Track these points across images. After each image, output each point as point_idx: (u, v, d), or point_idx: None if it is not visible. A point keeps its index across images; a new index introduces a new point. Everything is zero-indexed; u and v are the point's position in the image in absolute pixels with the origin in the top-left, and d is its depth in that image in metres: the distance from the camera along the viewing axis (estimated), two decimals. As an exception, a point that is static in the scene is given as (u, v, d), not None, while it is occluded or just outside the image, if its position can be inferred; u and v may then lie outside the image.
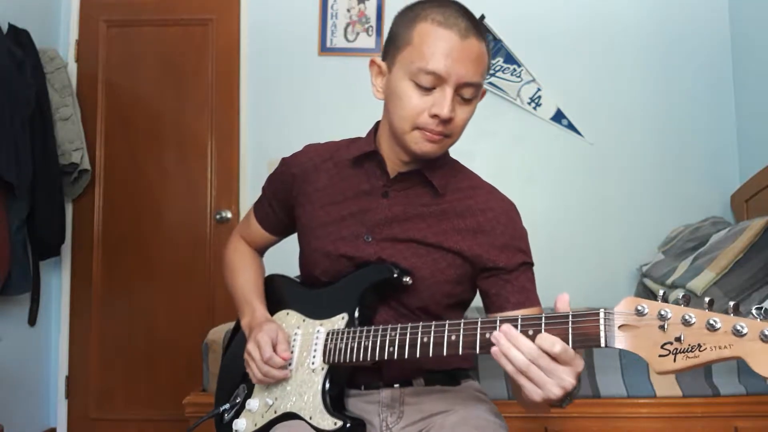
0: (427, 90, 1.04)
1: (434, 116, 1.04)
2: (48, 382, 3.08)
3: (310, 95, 3.14)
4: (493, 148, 3.14)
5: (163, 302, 3.10)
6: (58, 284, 3.15)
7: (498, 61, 3.15)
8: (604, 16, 3.15)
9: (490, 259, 1.11)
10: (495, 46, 3.16)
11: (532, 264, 1.15)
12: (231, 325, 2.02)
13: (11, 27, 2.76)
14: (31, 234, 2.78)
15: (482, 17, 3.16)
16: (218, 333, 1.96)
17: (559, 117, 3.12)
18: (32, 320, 2.90)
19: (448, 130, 1.07)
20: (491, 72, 3.14)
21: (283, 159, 1.27)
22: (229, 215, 3.14)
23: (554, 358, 0.80)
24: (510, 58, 3.15)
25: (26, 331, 2.90)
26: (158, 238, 3.14)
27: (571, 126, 3.11)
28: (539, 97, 3.13)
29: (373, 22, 3.17)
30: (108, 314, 3.11)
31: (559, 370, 0.80)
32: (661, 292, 0.77)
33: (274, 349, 1.11)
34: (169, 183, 3.17)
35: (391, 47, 1.10)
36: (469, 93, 1.05)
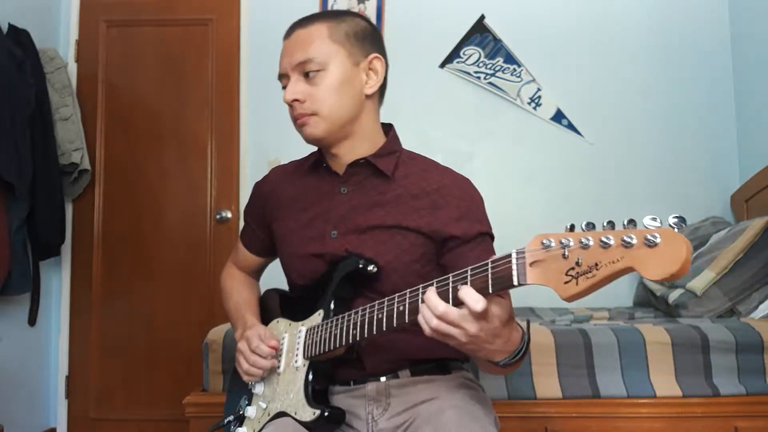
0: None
1: (288, 104, 1.17)
2: (48, 382, 3.08)
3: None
4: (493, 148, 3.14)
5: (163, 302, 3.10)
6: (58, 284, 3.15)
7: (498, 61, 3.15)
8: (604, 16, 3.15)
9: (447, 230, 1.14)
10: (495, 46, 3.16)
11: (490, 234, 1.19)
12: (230, 325, 2.02)
13: (11, 27, 2.76)
14: (31, 234, 2.78)
15: (482, 17, 3.16)
16: (218, 333, 1.96)
17: (559, 117, 3.12)
18: (32, 320, 2.90)
19: (307, 108, 1.16)
20: (491, 72, 3.14)
21: (255, 183, 1.38)
22: (229, 215, 3.14)
23: (475, 316, 0.85)
24: (510, 58, 3.15)
25: (26, 331, 2.90)
26: (158, 238, 3.14)
27: (571, 126, 3.11)
28: (539, 97, 3.13)
29: (373, 22, 3.16)
30: (108, 314, 3.11)
31: (465, 322, 0.87)
32: (568, 225, 0.78)
33: (262, 341, 1.17)
34: (169, 183, 3.17)
35: None
36: (311, 67, 1.15)
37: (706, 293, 2.17)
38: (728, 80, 3.09)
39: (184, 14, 3.23)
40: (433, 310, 0.87)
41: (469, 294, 0.84)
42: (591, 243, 0.74)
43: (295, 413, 1.11)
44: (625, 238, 0.71)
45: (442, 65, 3.17)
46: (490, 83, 3.14)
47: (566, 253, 0.76)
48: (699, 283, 2.19)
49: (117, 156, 3.18)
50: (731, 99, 3.08)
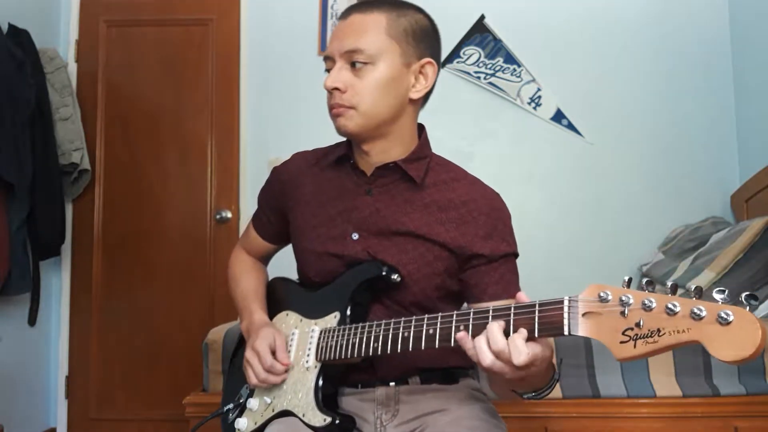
0: (328, 72, 1.12)
1: (327, 91, 1.11)
2: (48, 382, 3.08)
3: (310, 95, 3.13)
4: (493, 148, 3.14)
5: (163, 302, 3.10)
6: (58, 284, 3.15)
7: (498, 61, 3.15)
8: (604, 16, 3.15)
9: (473, 248, 1.11)
10: (495, 46, 3.16)
11: (515, 255, 1.16)
12: (231, 325, 2.03)
13: (11, 27, 2.76)
14: (31, 234, 2.78)
15: (482, 17, 3.16)
16: (218, 333, 1.96)
17: (559, 117, 3.12)
18: (32, 320, 2.90)
19: (346, 100, 1.10)
20: (491, 72, 3.14)
21: (274, 168, 1.32)
22: (229, 215, 3.14)
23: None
24: (510, 58, 3.15)
25: (26, 331, 2.90)
26: (158, 238, 3.14)
27: (571, 126, 3.11)
28: (539, 97, 3.13)
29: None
30: (108, 314, 3.11)
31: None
32: (626, 278, 0.76)
33: (274, 356, 1.13)
34: (169, 183, 3.17)
35: None
36: (360, 57, 1.09)
37: (706, 293, 2.17)
38: (728, 80, 3.09)
39: (184, 14, 3.23)
40: (492, 344, 0.84)
41: (517, 345, 0.82)
42: (654, 306, 0.71)
43: (303, 415, 1.08)
44: (695, 309, 0.68)
45: (442, 65, 3.17)
46: (490, 83, 3.14)
47: (626, 312, 0.73)
48: (699, 283, 2.19)
49: (117, 156, 3.18)
50: (731, 99, 3.08)
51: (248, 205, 3.13)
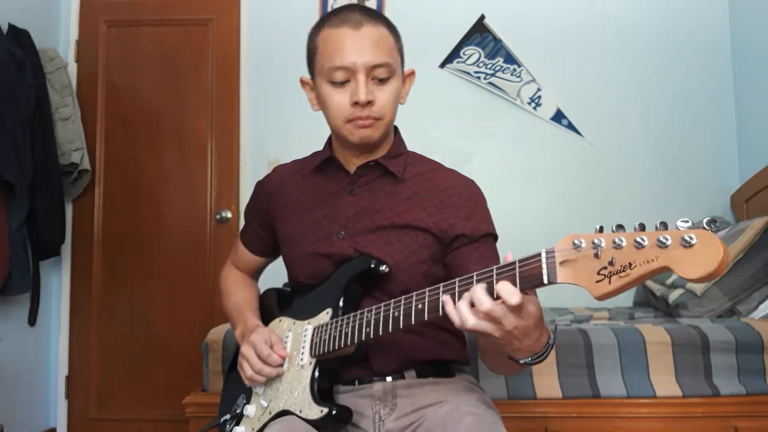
0: (343, 85, 1.14)
1: (355, 104, 1.13)
2: (48, 382, 3.08)
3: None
4: (493, 148, 3.14)
5: (163, 302, 3.10)
6: (58, 284, 3.15)
7: (498, 61, 3.15)
8: (604, 16, 3.15)
9: (455, 229, 1.16)
10: (495, 46, 3.16)
11: (495, 236, 1.21)
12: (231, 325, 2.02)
13: (11, 27, 2.76)
14: (31, 234, 2.78)
15: (482, 17, 3.16)
16: (218, 333, 1.96)
17: (559, 117, 3.12)
18: (32, 320, 2.90)
19: (375, 112, 1.15)
20: (491, 72, 3.14)
21: (257, 182, 1.38)
22: (229, 215, 3.14)
23: (511, 310, 0.85)
24: (510, 58, 3.15)
25: (26, 331, 2.90)
26: (158, 238, 3.14)
27: (571, 126, 3.11)
28: (539, 97, 3.13)
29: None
30: (108, 314, 3.11)
31: (510, 317, 0.86)
32: (597, 226, 0.79)
33: (272, 349, 1.15)
34: (169, 183, 3.17)
35: (308, 61, 1.21)
36: (383, 73, 1.14)
37: (706, 293, 2.17)
38: (728, 80, 3.09)
39: (184, 14, 3.23)
40: (479, 305, 0.86)
41: (505, 287, 0.84)
42: (624, 243, 0.75)
43: (300, 411, 1.10)
44: (661, 238, 0.72)
45: (442, 65, 3.17)
46: (490, 83, 3.14)
47: (598, 253, 0.77)
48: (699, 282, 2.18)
49: (117, 156, 3.18)
50: (731, 99, 3.08)
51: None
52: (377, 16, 1.18)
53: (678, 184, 3.04)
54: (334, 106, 1.15)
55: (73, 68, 3.19)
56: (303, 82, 1.26)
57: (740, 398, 1.78)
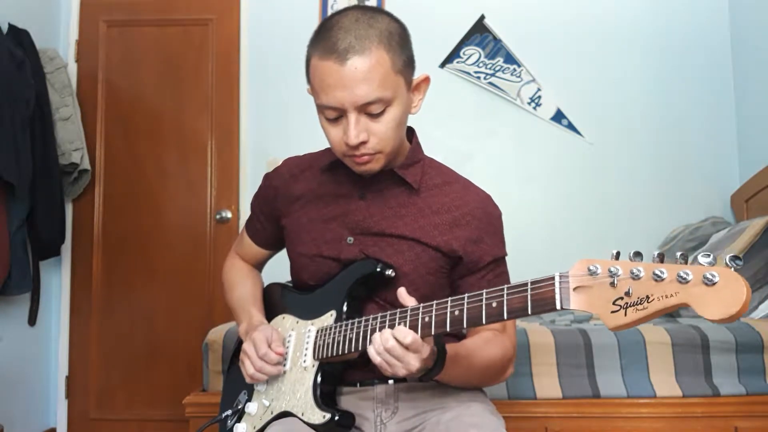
0: (336, 120, 1.07)
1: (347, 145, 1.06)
2: (48, 382, 3.08)
3: (310, 96, 3.14)
4: (493, 148, 3.14)
5: (163, 302, 3.10)
6: (58, 284, 3.15)
7: (498, 61, 3.15)
8: (604, 16, 3.15)
9: (464, 252, 1.14)
10: (495, 46, 3.16)
11: (504, 257, 1.19)
12: (231, 325, 2.03)
13: (11, 27, 2.76)
14: (31, 234, 2.78)
15: (482, 17, 3.16)
16: (218, 333, 1.96)
17: (559, 117, 3.12)
18: (32, 320, 2.90)
19: (371, 149, 1.07)
20: (491, 72, 3.14)
21: (266, 174, 1.33)
22: (229, 215, 3.14)
23: (406, 347, 0.94)
24: (510, 58, 3.15)
25: (26, 331, 2.90)
26: (158, 238, 3.14)
27: (571, 126, 3.11)
28: (539, 97, 3.13)
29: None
30: (108, 314, 3.11)
31: (408, 356, 0.95)
32: (614, 251, 0.78)
33: (270, 347, 1.14)
34: (169, 183, 3.17)
35: (307, 81, 1.12)
36: (376, 108, 1.04)
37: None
38: (728, 80, 3.09)
39: (184, 14, 3.23)
40: (402, 339, 0.94)
41: (401, 331, 0.94)
42: (642, 274, 0.72)
43: (302, 414, 1.09)
44: (681, 273, 0.69)
45: (442, 65, 3.17)
46: (490, 83, 3.14)
47: (615, 282, 0.75)
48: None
49: (117, 156, 3.18)
50: (731, 99, 3.08)
51: (248, 205, 3.11)
52: (372, 42, 1.03)
53: (678, 184, 3.04)
54: (331, 140, 1.10)
55: (73, 68, 3.19)
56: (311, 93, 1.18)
57: (740, 398, 1.78)
